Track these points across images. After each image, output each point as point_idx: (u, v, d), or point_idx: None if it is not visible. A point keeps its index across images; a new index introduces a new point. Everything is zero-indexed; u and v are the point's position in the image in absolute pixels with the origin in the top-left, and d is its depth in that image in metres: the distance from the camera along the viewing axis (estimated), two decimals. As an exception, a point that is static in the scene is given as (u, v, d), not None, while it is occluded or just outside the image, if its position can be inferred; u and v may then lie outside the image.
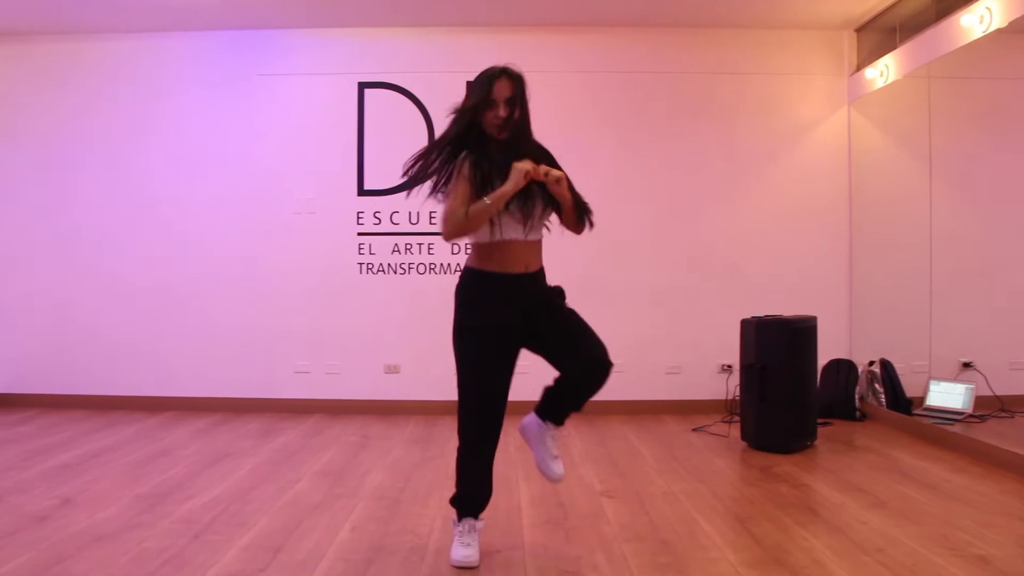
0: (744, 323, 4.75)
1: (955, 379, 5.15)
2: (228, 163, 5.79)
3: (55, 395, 5.87)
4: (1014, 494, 3.60)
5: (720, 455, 4.47)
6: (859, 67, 5.67)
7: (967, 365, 5.23)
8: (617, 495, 3.64)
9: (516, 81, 2.81)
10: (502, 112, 2.75)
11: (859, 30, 5.71)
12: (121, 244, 5.85)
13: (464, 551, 2.76)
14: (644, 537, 3.05)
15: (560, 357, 2.81)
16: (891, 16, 5.28)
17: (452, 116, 2.86)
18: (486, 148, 2.78)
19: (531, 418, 2.87)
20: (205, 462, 4.22)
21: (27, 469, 4.07)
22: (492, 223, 2.70)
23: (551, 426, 2.85)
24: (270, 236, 5.76)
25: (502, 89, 2.76)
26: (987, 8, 4.15)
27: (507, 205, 2.69)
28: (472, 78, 5.55)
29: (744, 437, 4.71)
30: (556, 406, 2.82)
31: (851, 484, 3.81)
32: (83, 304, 5.87)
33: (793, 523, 3.21)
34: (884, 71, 5.26)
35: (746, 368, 4.67)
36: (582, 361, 2.76)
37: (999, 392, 5.00)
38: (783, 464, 4.22)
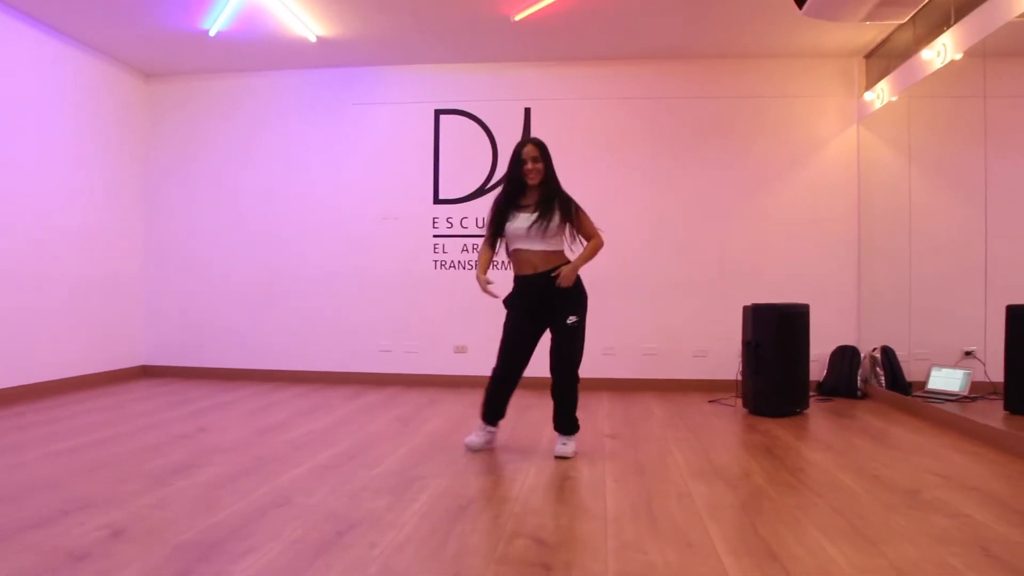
0: (745, 308, 5.63)
1: (955, 365, 5.85)
2: (327, 179, 7.02)
3: (185, 367, 7.20)
4: (945, 446, 4.39)
5: (720, 417, 5.36)
6: (868, 88, 6.47)
7: (968, 353, 5.92)
8: (619, 437, 4.61)
9: (537, 145, 4.14)
10: (528, 166, 4.07)
11: (867, 56, 6.51)
12: (236, 248, 7.18)
13: (472, 437, 4.22)
14: (623, 460, 4.00)
15: (550, 356, 4.10)
16: (888, 47, 6.09)
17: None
18: (523, 192, 4.17)
19: None
20: (303, 412, 5.38)
21: (167, 412, 5.31)
22: (504, 243, 4.24)
23: (559, 435, 4.16)
24: (361, 239, 6.95)
25: (529, 152, 4.10)
26: (943, 44, 4.97)
27: (516, 224, 4.13)
28: (529, 104, 6.67)
29: (745, 405, 5.58)
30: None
31: (812, 436, 4.67)
32: (206, 297, 7.21)
33: (746, 454, 4.12)
34: (880, 93, 6.07)
35: (746, 344, 5.55)
36: (553, 362, 4.11)
37: (995, 379, 5.68)
38: (768, 424, 5.09)
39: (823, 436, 4.67)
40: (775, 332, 5.40)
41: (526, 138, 4.38)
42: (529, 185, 4.12)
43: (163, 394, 6.15)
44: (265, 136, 7.14)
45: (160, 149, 7.29)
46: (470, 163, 6.86)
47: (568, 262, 4.11)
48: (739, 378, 6.00)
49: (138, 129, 7.21)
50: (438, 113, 6.87)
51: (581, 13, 5.70)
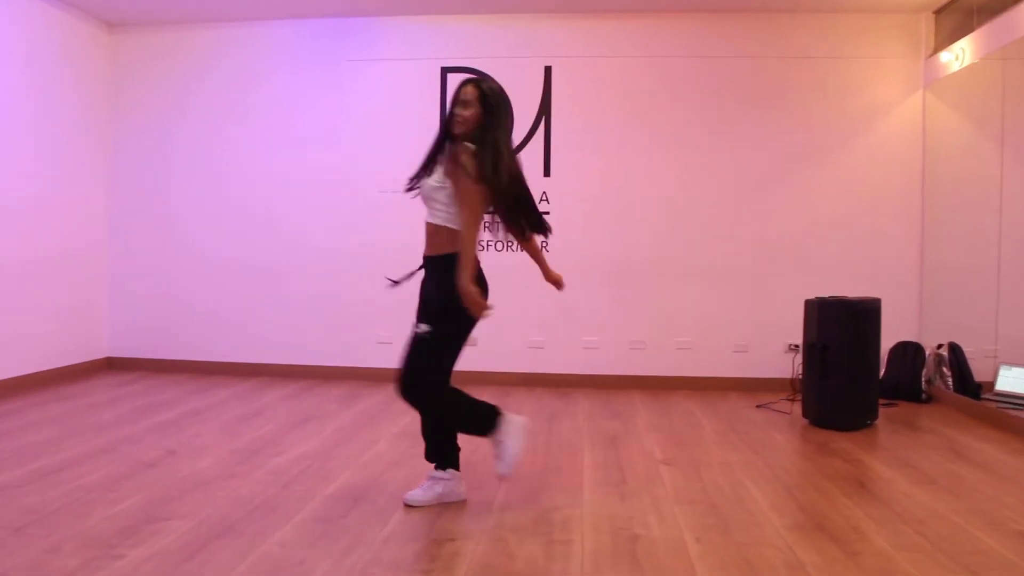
0: (808, 303, 4.86)
1: (1028, 364, 5.15)
2: (317, 145, 6.14)
3: (158, 360, 6.36)
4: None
5: (780, 430, 4.61)
6: (936, 50, 5.66)
7: (1042, 349, 5.21)
8: (675, 463, 3.85)
9: (478, 87, 3.03)
10: (456, 111, 3.04)
11: (937, 12, 5.69)
12: (217, 222, 6.30)
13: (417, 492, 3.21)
14: (695, 501, 3.25)
15: None
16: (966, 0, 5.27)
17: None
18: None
19: None
20: (293, 423, 4.58)
21: (136, 423, 4.50)
22: None
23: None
24: (356, 215, 6.10)
25: (464, 93, 3.03)
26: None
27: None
28: (550, 62, 5.80)
29: (805, 414, 4.83)
30: None
31: (903, 461, 3.92)
32: (183, 278, 6.34)
33: (839, 493, 3.37)
34: (960, 54, 5.26)
35: (808, 347, 4.79)
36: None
37: (1074, 377, 4.99)
38: (840, 440, 4.35)
39: (915, 461, 3.92)
40: (846, 332, 4.63)
41: (471, 77, 3.20)
42: (455, 135, 3.05)
43: (128, 396, 5.33)
44: (249, 96, 6.23)
45: (127, 110, 6.37)
46: (481, 129, 5.99)
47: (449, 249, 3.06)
48: (798, 377, 5.28)
49: (100, 87, 6.29)
50: (445, 71, 6.00)
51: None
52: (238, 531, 2.82)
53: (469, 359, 5.39)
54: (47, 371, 5.75)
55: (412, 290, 3.24)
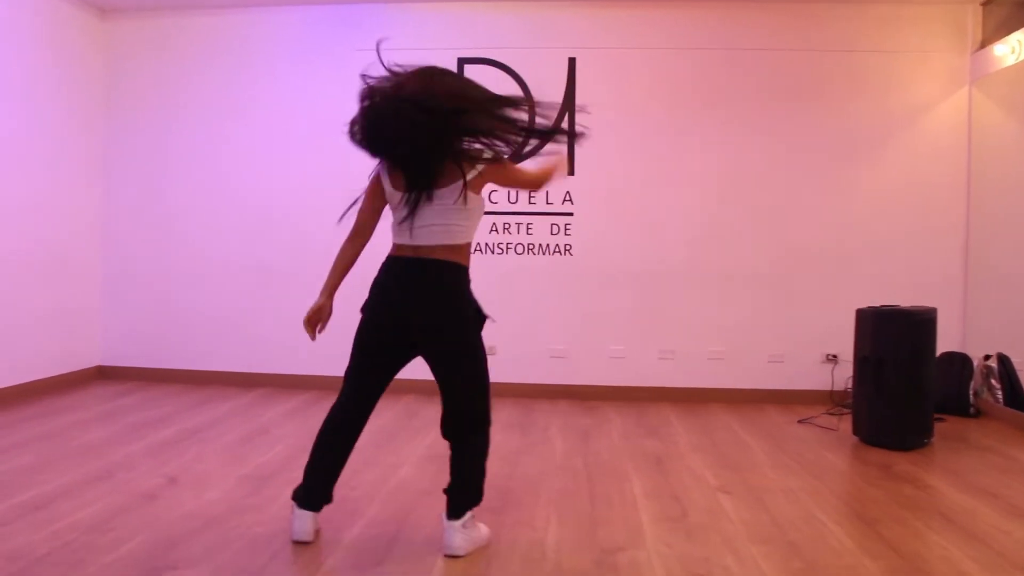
0: (861, 312, 4.52)
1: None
2: (324, 141, 5.72)
3: (152, 368, 5.94)
4: None
5: (831, 449, 4.27)
6: (984, 43, 5.33)
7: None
8: (733, 491, 3.49)
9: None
10: None
11: (985, 3, 5.36)
12: (217, 221, 5.88)
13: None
14: (771, 538, 2.89)
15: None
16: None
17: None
18: None
19: None
20: (304, 444, 4.16)
21: (131, 444, 4.10)
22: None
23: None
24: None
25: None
26: None
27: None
28: (574, 53, 5.40)
29: (856, 432, 4.49)
30: None
31: (979, 487, 3.58)
32: (179, 281, 5.92)
33: (926, 529, 3.02)
34: (1016, 47, 4.92)
35: (861, 360, 4.44)
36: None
37: None
38: (901, 462, 4.00)
39: (990, 487, 3.57)
40: (902, 344, 4.29)
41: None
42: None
43: (122, 411, 4.91)
44: (251, 88, 5.82)
45: (120, 103, 5.95)
46: (500, 124, 5.60)
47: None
48: (839, 390, 4.97)
49: (91, 78, 5.86)
50: (462, 62, 5.60)
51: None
52: (260, 583, 2.43)
53: (490, 369, 4.95)
54: (33, 382, 5.33)
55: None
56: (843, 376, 5.42)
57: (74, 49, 5.67)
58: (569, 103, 5.57)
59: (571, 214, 5.61)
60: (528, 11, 5.59)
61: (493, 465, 3.48)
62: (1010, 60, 4.99)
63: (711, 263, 5.55)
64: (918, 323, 4.31)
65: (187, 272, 5.90)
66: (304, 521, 2.76)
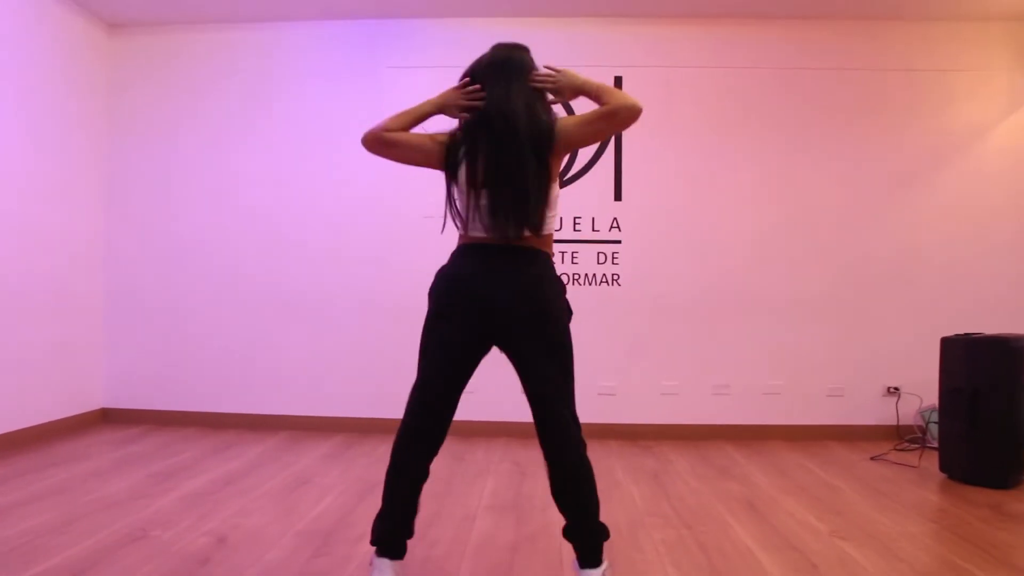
0: (947, 341, 4.22)
1: None
2: (350, 163, 5.39)
3: (160, 411, 5.49)
4: None
5: (925, 489, 3.94)
6: (1047, 59, 5.14)
7: None
8: (850, 537, 3.14)
9: None
10: None
11: (1045, 19, 5.19)
12: (229, 249, 5.48)
13: None
14: (928, 594, 2.54)
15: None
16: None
17: None
18: None
19: None
20: (355, 493, 3.78)
21: (160, 496, 3.66)
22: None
23: None
24: (396, 242, 5.35)
25: None
26: None
27: None
28: (620, 72, 5.11)
29: (943, 468, 4.17)
30: None
31: (1116, 529, 3.27)
32: (190, 314, 5.50)
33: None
34: (1085, 62, 4.72)
35: (951, 391, 4.13)
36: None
37: None
38: (1009, 501, 3.69)
39: None
40: (1000, 373, 3.99)
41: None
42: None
43: (138, 458, 4.46)
44: (268, 107, 5.46)
45: (127, 123, 5.55)
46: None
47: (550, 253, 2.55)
48: (907, 424, 4.68)
49: (97, 96, 5.48)
50: (500, 83, 5.29)
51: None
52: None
53: (528, 410, 4.54)
54: (35, 426, 4.87)
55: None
56: (906, 410, 5.12)
57: (79, 64, 5.29)
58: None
59: (619, 242, 5.28)
60: (573, 28, 5.31)
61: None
62: (1079, 76, 4.78)
63: (765, 291, 5.25)
64: (1014, 350, 4.02)
65: (197, 304, 5.49)
66: (384, 572, 2.36)
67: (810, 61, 5.29)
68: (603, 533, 2.36)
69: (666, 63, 5.30)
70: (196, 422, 5.42)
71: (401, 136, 2.41)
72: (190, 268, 5.50)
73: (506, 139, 2.29)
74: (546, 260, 2.40)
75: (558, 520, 3.28)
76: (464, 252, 2.40)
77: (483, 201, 2.31)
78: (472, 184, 2.32)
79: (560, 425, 2.31)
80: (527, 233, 2.30)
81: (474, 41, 5.22)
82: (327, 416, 5.35)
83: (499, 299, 2.28)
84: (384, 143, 2.40)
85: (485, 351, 2.40)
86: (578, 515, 2.32)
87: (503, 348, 2.37)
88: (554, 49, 5.31)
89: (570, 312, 2.42)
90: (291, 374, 5.40)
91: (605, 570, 2.35)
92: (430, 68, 5.30)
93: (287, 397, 5.40)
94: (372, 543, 2.38)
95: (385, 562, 2.36)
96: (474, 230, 2.35)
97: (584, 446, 2.35)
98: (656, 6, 5.15)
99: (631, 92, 5.21)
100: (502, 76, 2.40)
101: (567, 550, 2.86)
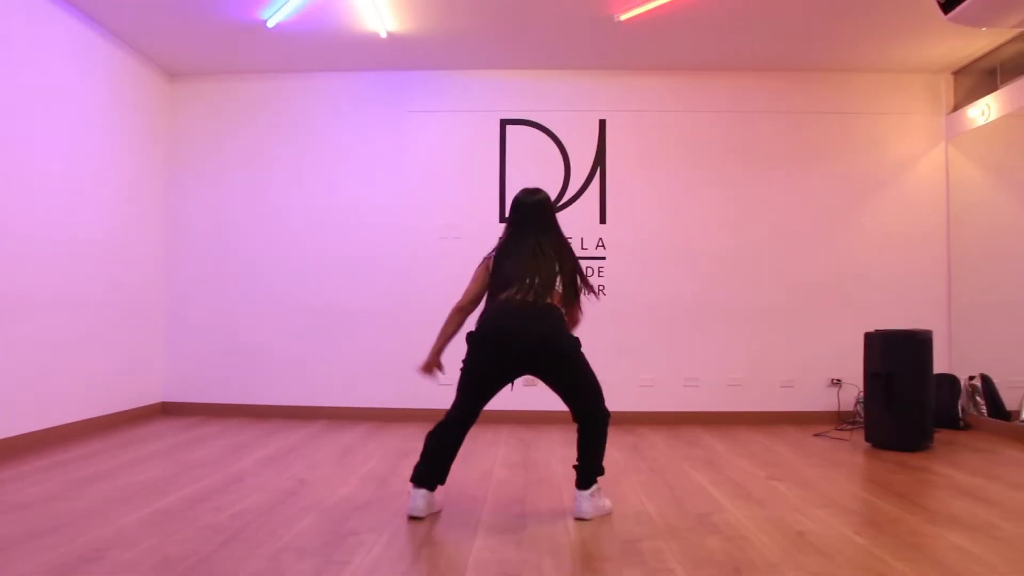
0: (869, 335, 5.23)
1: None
2: (378, 193, 6.38)
3: (212, 404, 6.42)
4: None
5: (850, 453, 4.92)
6: (956, 107, 6.19)
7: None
8: (783, 479, 4.11)
9: None
10: None
11: (956, 73, 6.25)
12: (272, 266, 6.46)
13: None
14: (828, 504, 3.50)
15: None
16: (991, 59, 5.81)
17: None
18: None
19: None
20: (393, 458, 4.70)
21: (240, 460, 4.56)
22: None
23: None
24: (417, 260, 6.32)
25: None
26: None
27: None
28: (605, 116, 6.11)
29: (868, 438, 5.16)
30: None
31: (979, 471, 4.28)
32: (238, 322, 6.46)
33: (948, 496, 3.67)
34: (985, 110, 5.77)
35: (872, 376, 5.13)
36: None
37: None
38: (913, 459, 4.67)
39: (995, 473, 4.25)
40: (909, 360, 5.00)
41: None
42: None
43: (208, 437, 5.39)
44: (307, 144, 6.47)
45: (184, 158, 6.54)
46: (539, 178, 6.24)
47: None
48: (845, 410, 5.66)
49: (160, 133, 6.46)
50: (504, 123, 6.33)
51: (680, 19, 5.30)
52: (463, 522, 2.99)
53: (536, 400, 5.60)
54: (107, 415, 5.74)
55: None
56: (846, 398, 6.12)
57: (146, 107, 6.25)
58: (600, 160, 6.30)
59: (604, 258, 6.29)
60: (563, 78, 6.35)
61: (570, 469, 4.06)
62: (980, 121, 5.84)
63: (727, 300, 6.26)
64: (920, 342, 5.04)
65: (243, 314, 6.46)
66: (418, 498, 3.31)
67: (766, 106, 6.35)
68: (598, 471, 3.35)
69: (642, 108, 6.34)
70: (243, 413, 6.35)
71: None
72: (237, 284, 6.46)
73: None
74: None
75: (559, 472, 4.27)
76: None
77: None
78: None
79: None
80: None
81: (479, 90, 6.29)
82: (357, 407, 6.30)
83: None
84: None
85: None
86: (586, 460, 3.33)
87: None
88: (549, 97, 6.35)
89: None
90: (325, 372, 6.36)
91: (594, 491, 3.31)
92: (444, 112, 6.33)
93: (322, 391, 6.35)
94: (410, 480, 3.36)
95: (419, 490, 3.32)
96: None
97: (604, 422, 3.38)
98: (633, 61, 6.19)
99: (613, 132, 6.27)
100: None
101: (566, 487, 3.81)
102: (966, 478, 4.14)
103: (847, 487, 3.93)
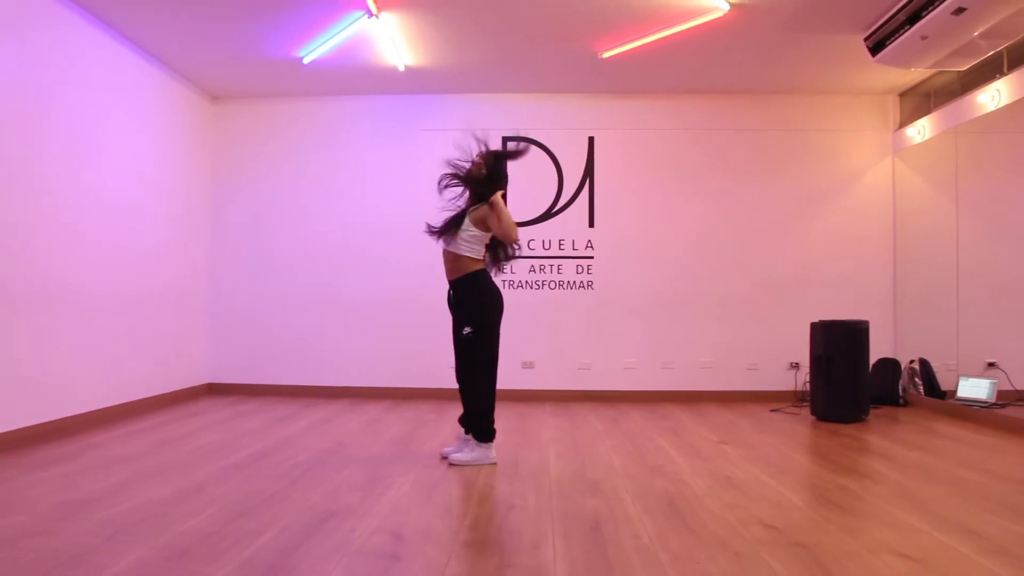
0: (813, 325, 6.15)
1: (981, 375, 6.44)
2: (394, 201, 7.32)
3: (251, 384, 7.38)
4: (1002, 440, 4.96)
5: (797, 424, 5.84)
6: (902, 124, 7.08)
7: (991, 364, 6.52)
8: (730, 442, 5.04)
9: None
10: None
11: (901, 95, 7.14)
12: (303, 265, 7.42)
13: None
14: (759, 460, 4.43)
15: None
16: (927, 85, 6.71)
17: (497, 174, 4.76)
18: None
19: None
20: (412, 427, 5.64)
21: (283, 429, 5.49)
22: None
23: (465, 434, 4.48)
24: (429, 260, 7.20)
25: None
26: (997, 90, 5.57)
27: None
28: (593, 133, 7.02)
29: (813, 412, 6.08)
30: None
31: (900, 439, 5.19)
32: (274, 313, 7.43)
33: (862, 458, 4.60)
34: (921, 130, 6.67)
35: (816, 359, 6.06)
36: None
37: (1019, 387, 6.28)
38: (846, 429, 5.60)
39: (903, 438, 5.17)
40: (845, 345, 5.92)
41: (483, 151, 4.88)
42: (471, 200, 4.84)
43: (251, 412, 6.32)
44: (335, 161, 7.42)
45: (226, 171, 7.49)
46: (536, 188, 7.25)
47: (470, 268, 4.47)
48: (800, 390, 6.56)
49: (205, 149, 7.40)
50: (505, 140, 7.23)
51: (657, 55, 6.17)
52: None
53: (531, 380, 6.64)
54: (160, 395, 6.65)
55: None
56: (803, 379, 7.04)
57: (192, 126, 7.19)
58: (589, 172, 7.22)
59: (592, 257, 7.23)
60: (556, 100, 7.28)
61: (560, 433, 5.03)
62: (918, 139, 6.74)
63: (700, 294, 7.20)
64: (856, 330, 5.96)
65: (277, 306, 7.42)
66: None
67: (733, 125, 7.26)
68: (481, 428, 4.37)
69: (626, 127, 7.26)
70: (279, 392, 7.31)
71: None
72: (273, 279, 7.41)
73: None
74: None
75: (545, 437, 5.19)
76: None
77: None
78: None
79: None
80: None
81: (483, 111, 7.20)
82: (377, 387, 7.25)
83: None
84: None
85: None
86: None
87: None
88: (544, 117, 7.26)
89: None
90: (349, 355, 7.31)
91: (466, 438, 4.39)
92: (452, 130, 7.19)
93: (346, 372, 7.30)
94: (490, 440, 4.36)
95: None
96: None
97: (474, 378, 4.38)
98: (617, 87, 7.11)
99: (601, 148, 7.16)
100: None
101: (552, 447, 4.74)
102: (879, 442, 5.08)
103: (781, 449, 4.86)
